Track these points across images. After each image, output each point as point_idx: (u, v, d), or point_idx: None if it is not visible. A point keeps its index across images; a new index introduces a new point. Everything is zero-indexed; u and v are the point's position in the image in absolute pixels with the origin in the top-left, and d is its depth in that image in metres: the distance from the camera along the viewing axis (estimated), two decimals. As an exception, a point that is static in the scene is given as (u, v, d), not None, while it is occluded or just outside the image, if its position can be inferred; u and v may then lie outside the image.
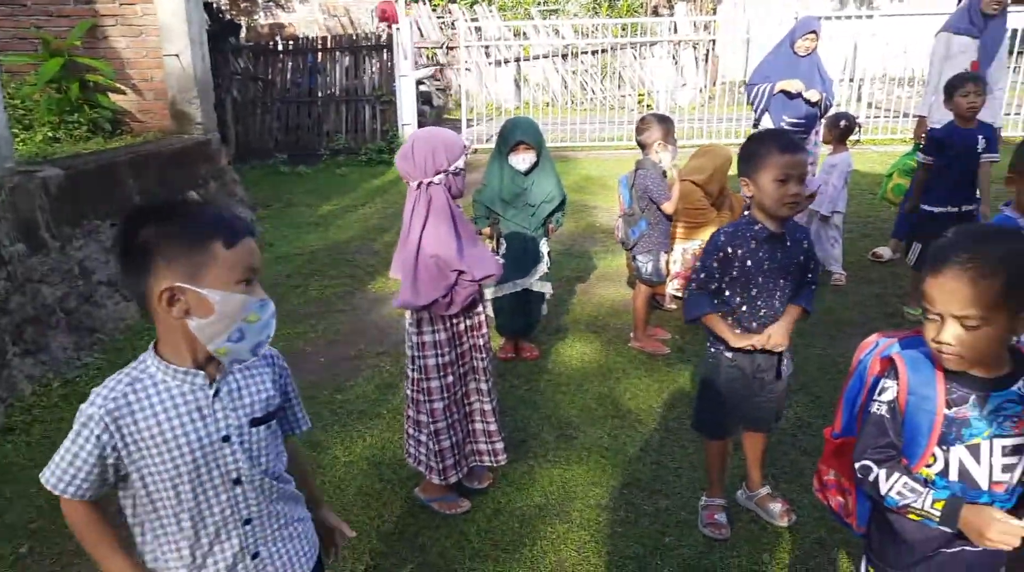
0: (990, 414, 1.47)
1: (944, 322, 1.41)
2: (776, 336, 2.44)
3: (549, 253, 4.09)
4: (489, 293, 3.98)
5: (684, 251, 4.63)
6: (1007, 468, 1.49)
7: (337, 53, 10.61)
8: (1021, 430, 1.48)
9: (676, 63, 13.35)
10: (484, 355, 2.73)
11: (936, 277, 1.41)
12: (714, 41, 13.00)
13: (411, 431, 2.76)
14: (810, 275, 2.53)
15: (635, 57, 13.55)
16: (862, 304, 4.79)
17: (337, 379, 3.94)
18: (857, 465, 1.57)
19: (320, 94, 10.55)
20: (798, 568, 2.51)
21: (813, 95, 5.16)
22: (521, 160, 3.80)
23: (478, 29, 12.39)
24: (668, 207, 3.97)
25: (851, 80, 10.64)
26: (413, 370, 2.65)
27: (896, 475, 1.51)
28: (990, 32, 5.29)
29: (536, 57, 13.60)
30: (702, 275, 2.49)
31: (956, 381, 1.48)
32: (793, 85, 5.14)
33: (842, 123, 5.12)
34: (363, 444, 3.30)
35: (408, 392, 2.73)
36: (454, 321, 2.63)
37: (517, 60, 13.12)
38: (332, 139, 10.40)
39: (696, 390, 2.80)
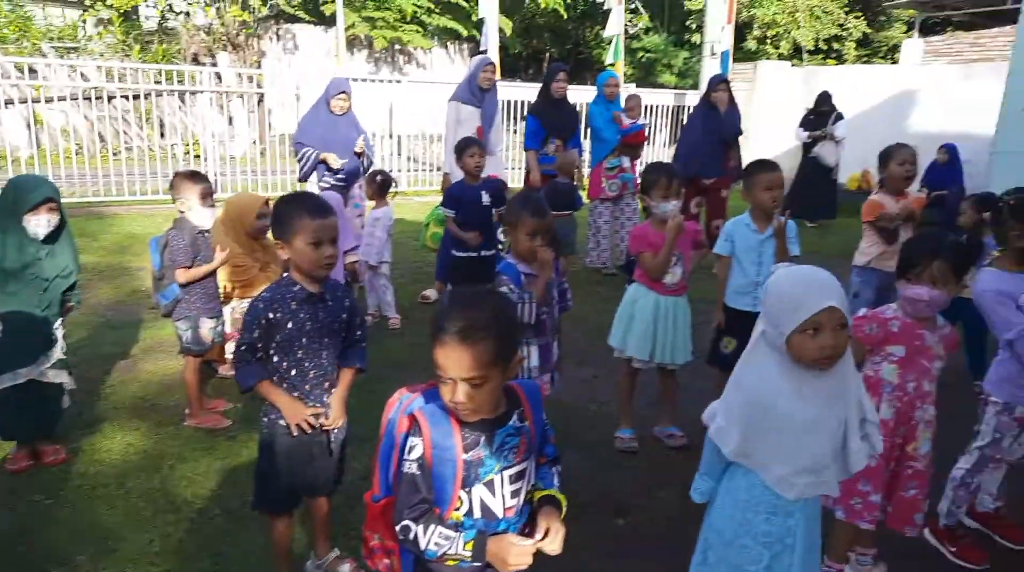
0: (497, 450, 1.65)
1: (456, 385, 1.55)
2: (333, 413, 2.45)
3: (65, 336, 3.45)
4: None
5: (234, 310, 4.39)
6: (515, 493, 1.69)
7: None
8: (521, 457, 1.69)
9: (223, 113, 12.91)
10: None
11: (441, 347, 1.54)
12: (263, 94, 12.94)
13: None
14: (358, 333, 2.58)
15: (180, 105, 12.69)
16: (418, 345, 5.18)
17: None
18: (398, 527, 1.62)
19: None
20: (371, 626, 2.51)
21: (360, 146, 5.63)
22: (45, 222, 3.17)
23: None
24: (179, 276, 3.66)
25: (391, 136, 11.64)
26: None
27: (432, 527, 1.59)
28: (487, 102, 6.31)
29: (52, 99, 11.71)
30: (243, 347, 2.37)
31: (468, 428, 1.63)
32: (332, 160, 5.44)
33: (379, 178, 5.51)
34: None
35: None
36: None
37: (25, 102, 11.09)
38: None
39: (256, 464, 2.63)
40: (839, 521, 2.59)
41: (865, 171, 11.87)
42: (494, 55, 10.55)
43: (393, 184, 5.66)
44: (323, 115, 5.73)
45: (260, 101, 13.52)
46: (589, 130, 7.33)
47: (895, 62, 17.70)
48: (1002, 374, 2.84)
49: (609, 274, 7.17)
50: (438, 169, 11.55)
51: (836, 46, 20.61)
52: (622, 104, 7.43)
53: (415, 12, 18.10)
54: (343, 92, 5.62)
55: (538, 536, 1.64)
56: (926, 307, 2.44)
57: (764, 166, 3.64)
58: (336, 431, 2.54)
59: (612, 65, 12.10)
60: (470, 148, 4.82)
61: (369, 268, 5.46)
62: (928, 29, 19.07)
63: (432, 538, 1.58)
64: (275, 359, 2.40)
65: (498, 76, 6.99)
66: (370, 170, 5.77)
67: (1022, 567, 2.90)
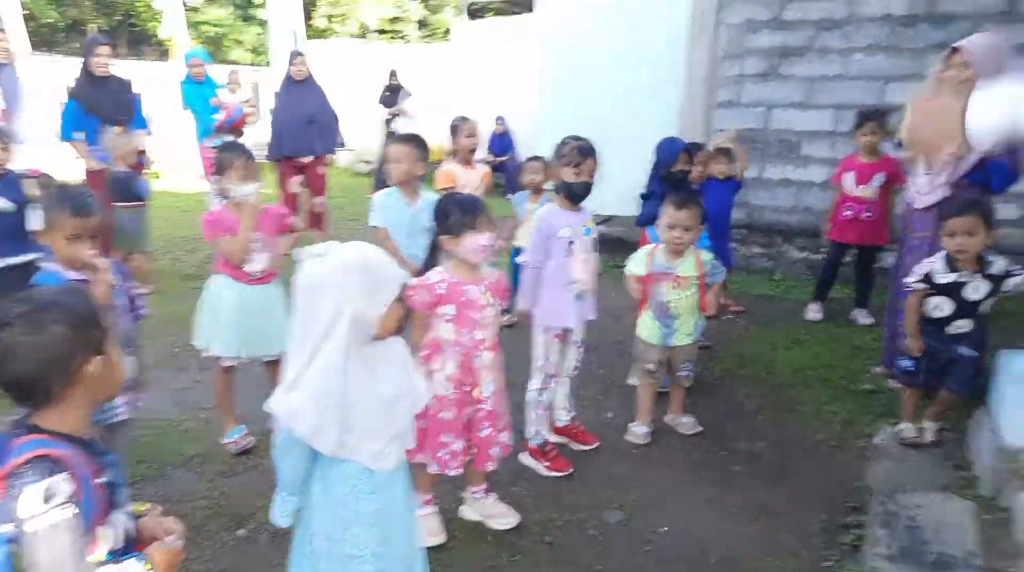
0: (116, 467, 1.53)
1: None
2: None
3: None
4: None
5: None
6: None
7: None
8: None
9: None
10: None
11: None
12: None
13: None
14: None
15: None
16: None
17: None
18: None
19: None
20: None
21: None
22: None
23: None
24: None
25: None
26: None
27: None
28: (5, 79, 5.15)
29: None
30: None
31: (94, 454, 1.43)
32: None
33: None
34: None
35: None
36: None
37: None
38: None
39: None
40: (417, 464, 2.66)
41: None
42: (15, 22, 8.67)
43: None
44: None
45: None
46: (189, 110, 7.46)
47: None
48: (542, 300, 3.27)
49: (201, 267, 6.59)
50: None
51: (399, 27, 21.97)
52: (218, 82, 7.41)
53: None
54: None
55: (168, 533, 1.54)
56: (488, 250, 2.63)
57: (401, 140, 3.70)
58: None
59: (170, 39, 10.99)
60: None
61: None
62: (473, 14, 21.48)
63: None
64: None
65: (14, 46, 5.73)
66: None
67: (596, 462, 3.48)
